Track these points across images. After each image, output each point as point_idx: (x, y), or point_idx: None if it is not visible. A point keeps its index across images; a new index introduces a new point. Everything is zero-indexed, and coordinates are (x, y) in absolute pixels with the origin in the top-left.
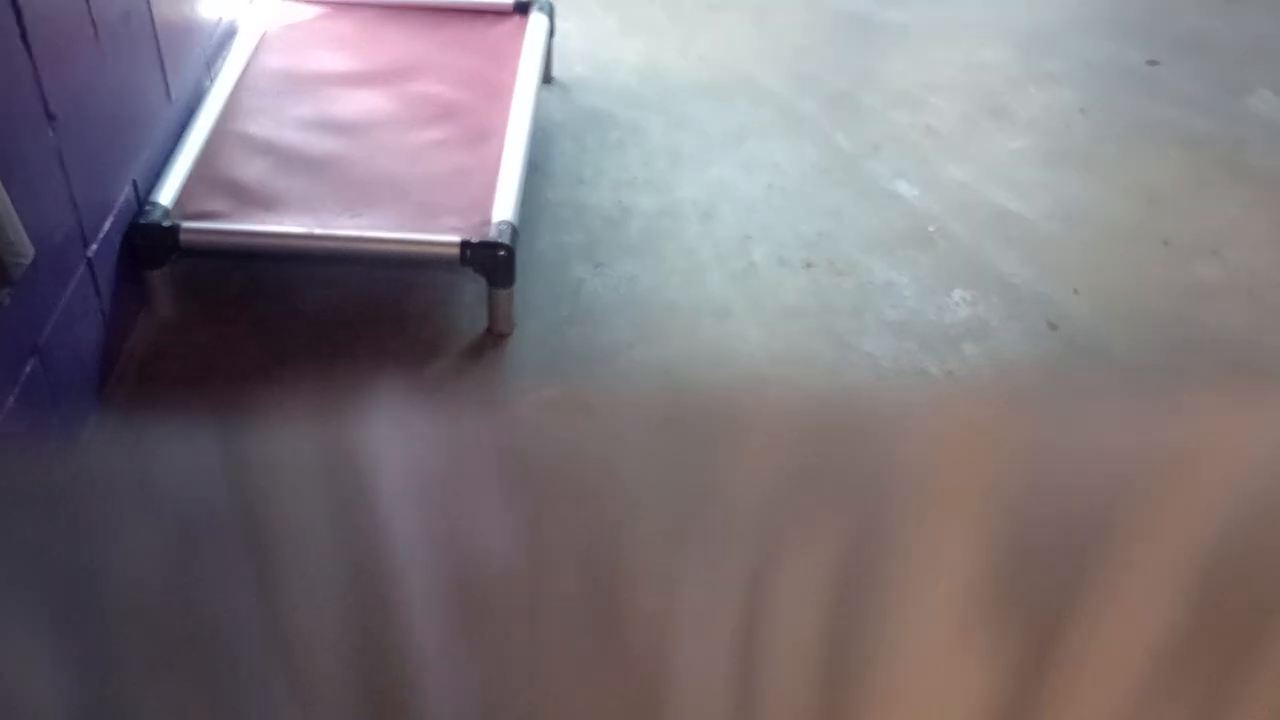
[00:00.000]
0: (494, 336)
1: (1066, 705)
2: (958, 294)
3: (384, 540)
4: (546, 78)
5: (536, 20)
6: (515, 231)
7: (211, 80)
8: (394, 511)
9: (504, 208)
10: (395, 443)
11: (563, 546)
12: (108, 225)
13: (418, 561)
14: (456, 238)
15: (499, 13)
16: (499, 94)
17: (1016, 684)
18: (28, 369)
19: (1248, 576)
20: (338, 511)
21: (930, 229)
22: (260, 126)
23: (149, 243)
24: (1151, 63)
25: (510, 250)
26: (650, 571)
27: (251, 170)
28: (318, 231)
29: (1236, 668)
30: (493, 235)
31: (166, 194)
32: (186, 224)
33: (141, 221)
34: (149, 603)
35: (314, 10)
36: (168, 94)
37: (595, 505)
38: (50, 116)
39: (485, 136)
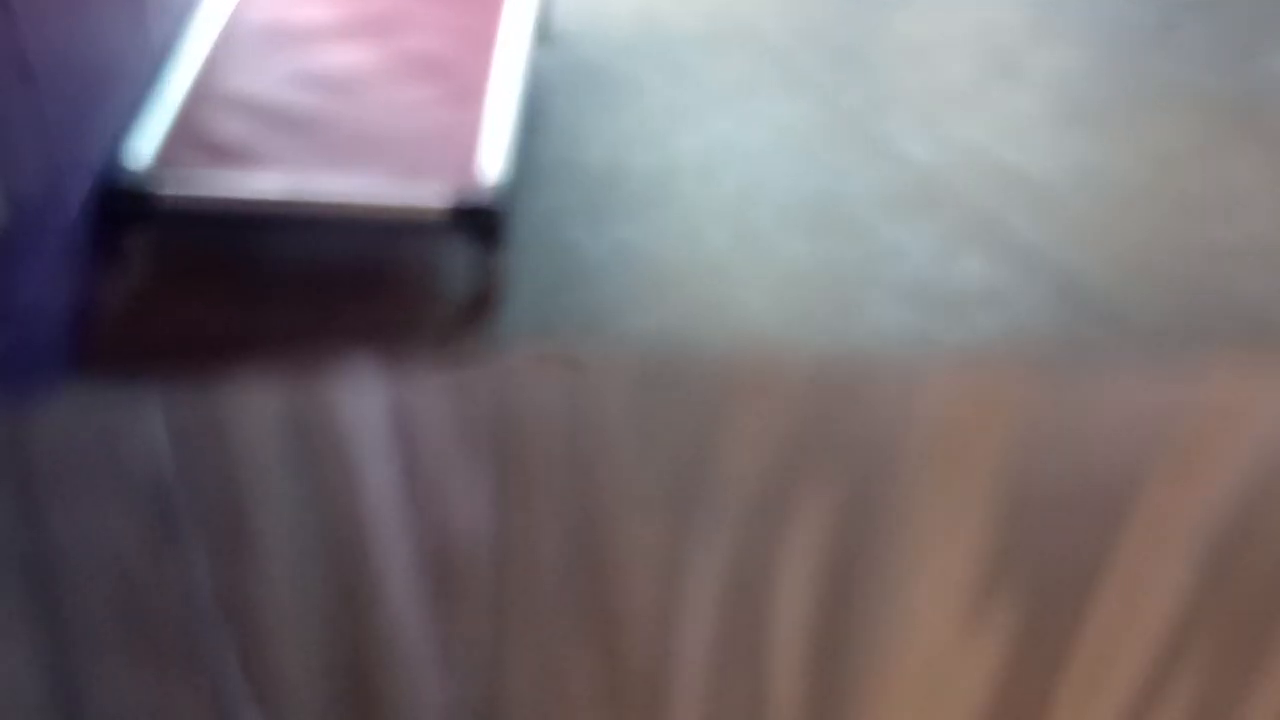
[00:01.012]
0: (485, 301)
1: (1073, 672)
2: (967, 259)
3: (365, 502)
4: (541, 31)
5: None
6: (506, 194)
7: (192, 36)
8: (374, 473)
9: (495, 168)
10: (377, 407)
11: (546, 507)
12: (85, 186)
13: (398, 523)
14: (445, 202)
15: None
16: (490, 48)
17: (1021, 650)
18: (4, 332)
19: (1261, 543)
20: (317, 475)
21: (939, 191)
22: (241, 84)
23: (127, 204)
24: (1169, 24)
25: (502, 213)
26: (637, 532)
27: (233, 129)
28: (301, 194)
29: (1250, 635)
30: (483, 198)
31: (145, 154)
32: (166, 185)
33: (119, 182)
34: (121, 567)
35: None
36: (148, 51)
37: (584, 466)
38: (27, 75)
39: (476, 93)
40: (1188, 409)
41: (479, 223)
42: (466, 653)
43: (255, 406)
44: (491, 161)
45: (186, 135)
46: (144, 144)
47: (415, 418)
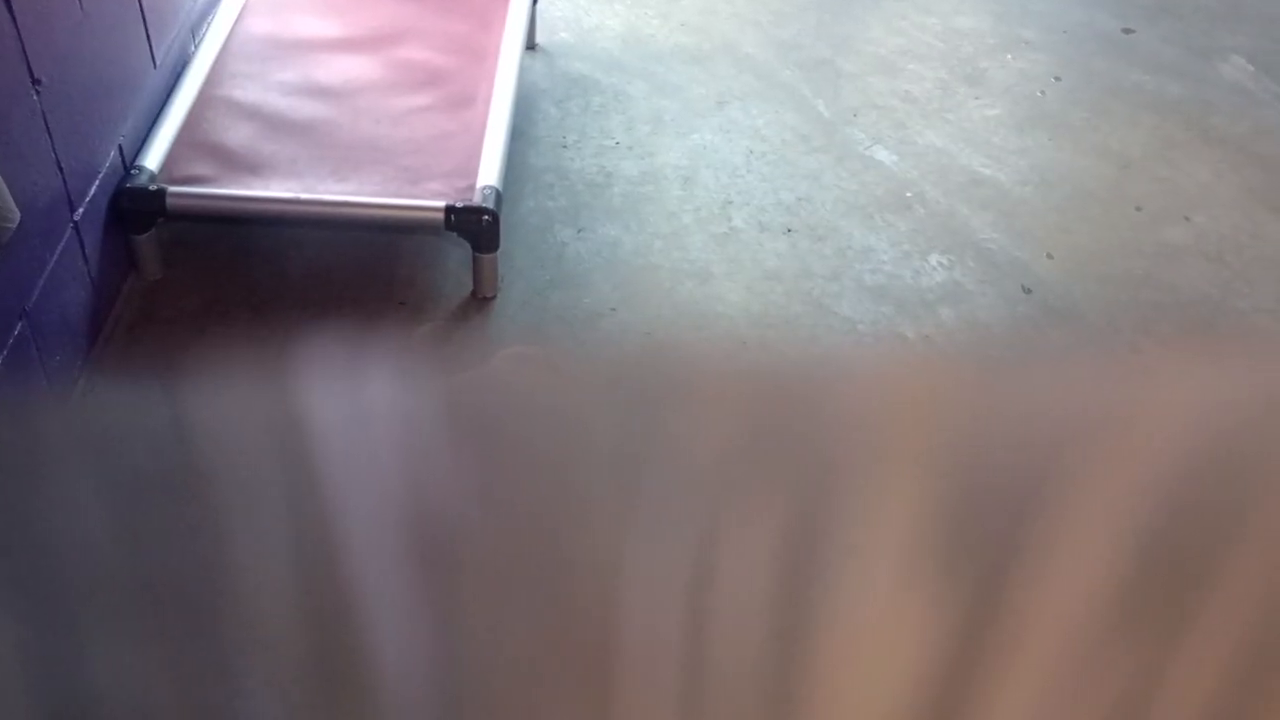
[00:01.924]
0: (479, 300)
1: (1015, 658)
2: (934, 258)
3: (347, 494)
4: (530, 44)
5: None
6: (499, 196)
7: (196, 45)
8: (360, 467)
9: (488, 173)
10: (372, 401)
11: (519, 501)
12: (94, 189)
13: (376, 515)
14: (441, 203)
15: None
16: (483, 59)
17: (965, 636)
18: (16, 331)
19: (1198, 531)
20: (309, 468)
21: (908, 194)
22: (246, 91)
23: (135, 206)
24: (1127, 30)
25: (494, 215)
26: (604, 526)
27: (237, 135)
28: (303, 196)
29: (1185, 619)
30: (477, 200)
31: (153, 158)
32: (173, 188)
33: (128, 185)
34: (125, 560)
35: None
36: (153, 59)
37: (555, 460)
38: (35, 81)
39: (470, 102)
40: (1130, 400)
41: (474, 224)
42: (439, 623)
43: (261, 400)
44: (485, 166)
45: (193, 141)
46: (152, 149)
47: (403, 414)
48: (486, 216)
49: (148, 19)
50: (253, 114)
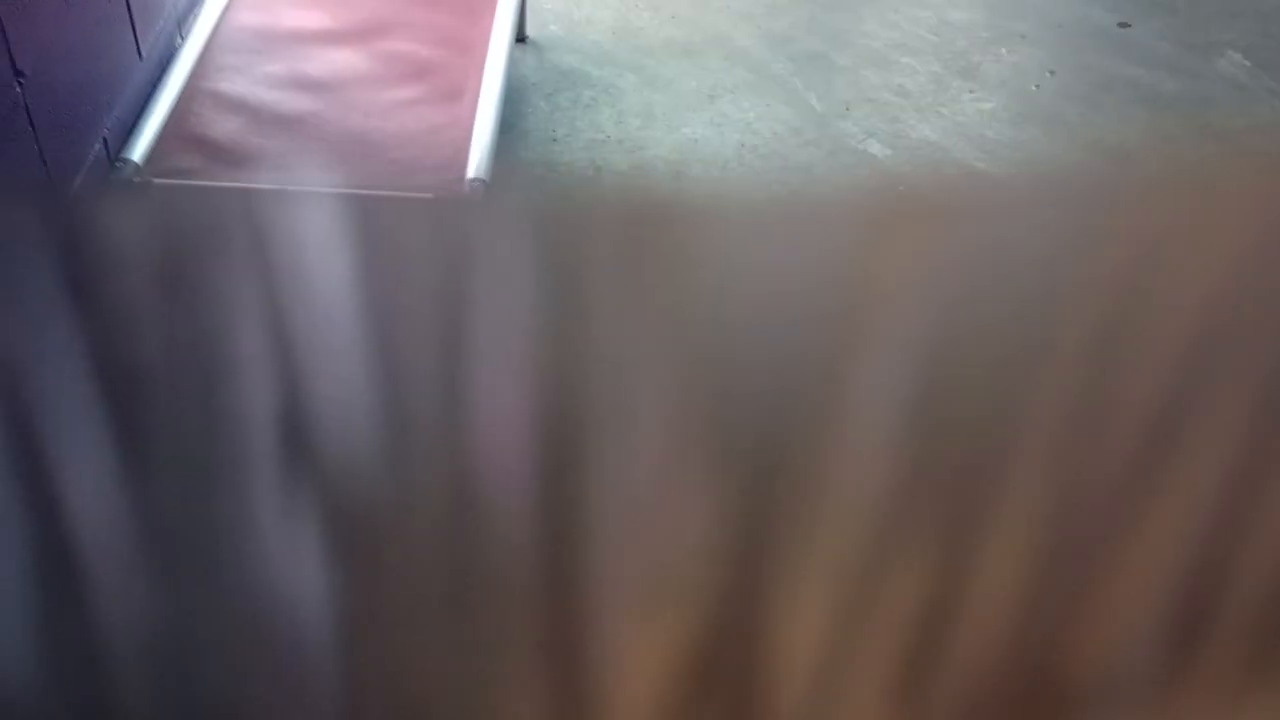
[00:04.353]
0: None
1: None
2: None
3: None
4: (520, 36)
5: None
6: (488, 190)
7: (183, 38)
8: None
9: (476, 166)
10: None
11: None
12: (78, 183)
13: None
14: (429, 195)
15: None
16: (472, 52)
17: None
18: None
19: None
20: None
21: (900, 189)
22: (233, 84)
23: None
24: (1123, 25)
25: None
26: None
27: (224, 128)
28: (290, 189)
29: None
30: (466, 193)
31: (138, 151)
32: (158, 181)
33: (113, 179)
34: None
35: None
36: (139, 51)
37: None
38: (18, 74)
39: (458, 95)
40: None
41: None
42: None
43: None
44: (474, 159)
45: (178, 134)
46: (137, 142)
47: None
48: None
49: (133, 11)
50: (239, 107)
